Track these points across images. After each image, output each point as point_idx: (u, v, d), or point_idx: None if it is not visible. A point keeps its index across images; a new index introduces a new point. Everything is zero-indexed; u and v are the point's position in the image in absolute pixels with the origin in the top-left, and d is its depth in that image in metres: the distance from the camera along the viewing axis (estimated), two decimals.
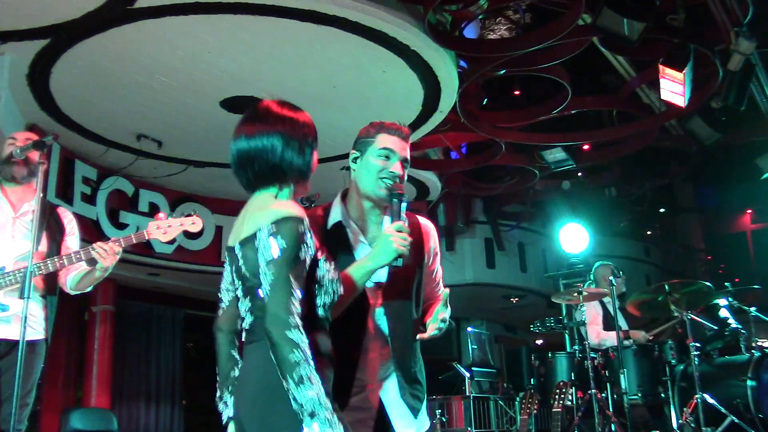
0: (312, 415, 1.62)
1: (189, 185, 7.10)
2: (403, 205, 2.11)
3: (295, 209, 1.81)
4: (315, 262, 1.83)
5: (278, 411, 1.69)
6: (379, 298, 2.17)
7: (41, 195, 3.40)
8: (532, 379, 6.29)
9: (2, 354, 3.39)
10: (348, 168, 2.28)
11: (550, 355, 5.95)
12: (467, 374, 6.67)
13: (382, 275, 2.15)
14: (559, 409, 4.95)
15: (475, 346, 7.29)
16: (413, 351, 2.21)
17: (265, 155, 1.91)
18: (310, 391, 1.62)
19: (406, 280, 2.20)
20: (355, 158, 2.24)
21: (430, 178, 7.51)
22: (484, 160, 7.19)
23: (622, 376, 5.12)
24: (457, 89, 5.54)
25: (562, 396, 5.03)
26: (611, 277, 5.61)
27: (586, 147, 7.46)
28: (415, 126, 6.12)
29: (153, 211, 6.68)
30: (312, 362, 1.66)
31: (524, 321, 10.11)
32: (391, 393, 2.16)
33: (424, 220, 2.35)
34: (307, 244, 1.79)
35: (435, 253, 2.33)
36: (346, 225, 2.20)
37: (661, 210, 11.71)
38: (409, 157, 2.23)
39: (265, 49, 4.96)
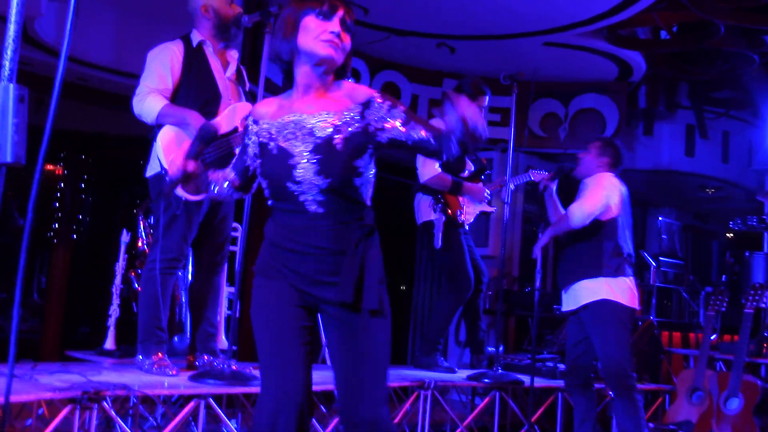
0: None
1: (389, 53, 7.20)
2: None
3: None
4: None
5: None
6: None
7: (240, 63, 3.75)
8: (723, 276, 6.11)
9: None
10: None
11: (747, 253, 5.73)
12: (653, 264, 6.56)
13: None
14: (751, 311, 4.80)
15: (665, 236, 7.11)
16: None
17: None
18: None
19: None
20: None
21: (635, 58, 7.13)
22: (698, 41, 6.70)
23: None
24: None
25: (757, 298, 4.86)
26: None
27: None
28: (626, 3, 5.79)
29: (354, 76, 6.89)
30: None
31: (718, 213, 9.64)
32: None
33: None
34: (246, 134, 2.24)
35: None
36: None
37: None
38: None
39: None
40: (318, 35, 2.09)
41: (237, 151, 3.73)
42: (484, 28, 6.52)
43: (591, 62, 7.16)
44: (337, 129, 2.09)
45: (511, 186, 4.83)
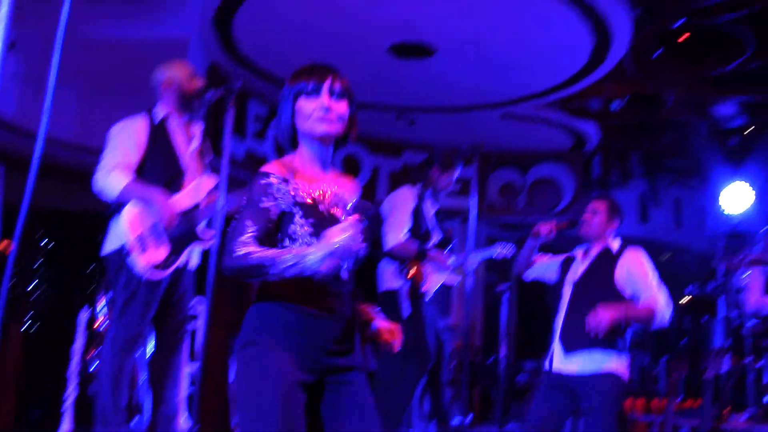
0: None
1: None
2: None
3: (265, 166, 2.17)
4: (289, 216, 2.10)
5: None
6: None
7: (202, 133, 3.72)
8: (681, 341, 6.18)
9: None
10: None
11: (704, 319, 5.81)
12: None
13: None
14: (712, 376, 4.84)
15: None
16: None
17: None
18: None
19: None
20: None
21: (588, 129, 7.36)
22: (648, 113, 6.95)
23: None
24: (629, 41, 5.36)
25: (716, 363, 4.90)
26: None
27: None
28: (579, 76, 6.01)
29: None
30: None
31: (673, 278, 9.77)
32: None
33: None
34: (267, 194, 2.09)
35: None
36: None
37: None
38: None
39: None
40: (310, 115, 2.13)
41: (200, 226, 3.74)
42: (443, 100, 6.68)
43: (547, 133, 7.36)
44: (358, 208, 2.26)
45: (474, 261, 4.85)
